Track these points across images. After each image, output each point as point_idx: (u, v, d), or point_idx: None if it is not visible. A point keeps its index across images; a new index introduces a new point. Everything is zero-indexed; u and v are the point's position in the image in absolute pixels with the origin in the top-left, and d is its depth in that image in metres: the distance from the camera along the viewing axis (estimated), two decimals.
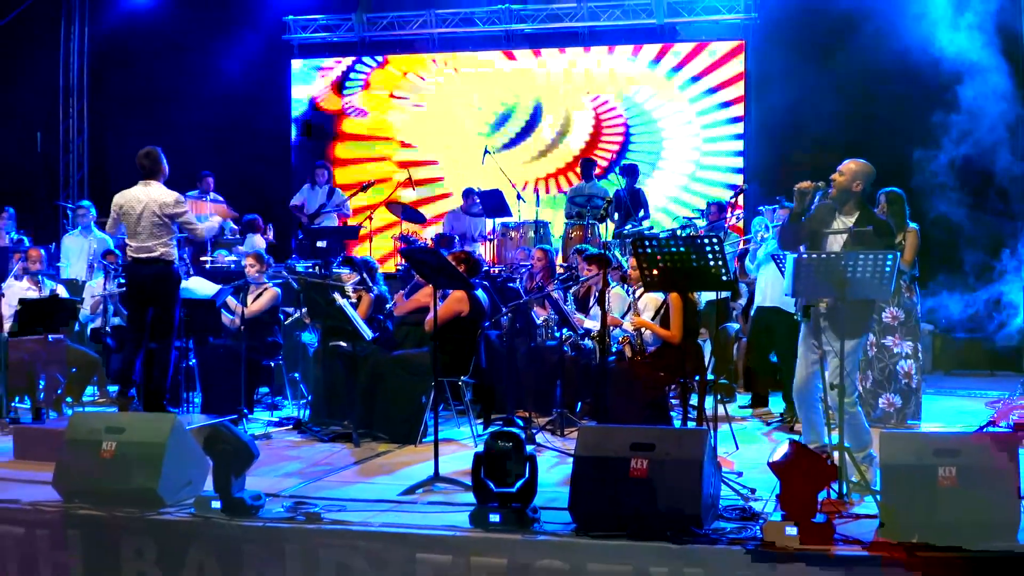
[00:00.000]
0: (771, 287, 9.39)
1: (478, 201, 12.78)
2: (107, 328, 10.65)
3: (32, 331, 9.08)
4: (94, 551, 6.21)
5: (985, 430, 8.11)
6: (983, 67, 12.21)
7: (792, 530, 5.40)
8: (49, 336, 9.25)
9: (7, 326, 9.09)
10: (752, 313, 9.85)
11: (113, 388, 10.12)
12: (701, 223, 10.93)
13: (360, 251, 12.94)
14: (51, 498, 6.48)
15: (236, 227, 13.04)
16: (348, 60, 16.61)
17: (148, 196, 8.65)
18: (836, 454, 6.26)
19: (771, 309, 9.41)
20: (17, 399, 9.66)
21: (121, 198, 8.74)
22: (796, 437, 6.88)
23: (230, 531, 6.02)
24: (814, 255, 6.39)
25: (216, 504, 6.15)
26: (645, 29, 15.45)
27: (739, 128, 15.13)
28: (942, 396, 10.52)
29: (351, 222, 13.74)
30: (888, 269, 6.15)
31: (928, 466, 5.38)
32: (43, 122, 16.88)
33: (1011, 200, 12.14)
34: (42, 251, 10.52)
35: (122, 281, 10.28)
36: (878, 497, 5.75)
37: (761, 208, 10.32)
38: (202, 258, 11.54)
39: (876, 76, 13.20)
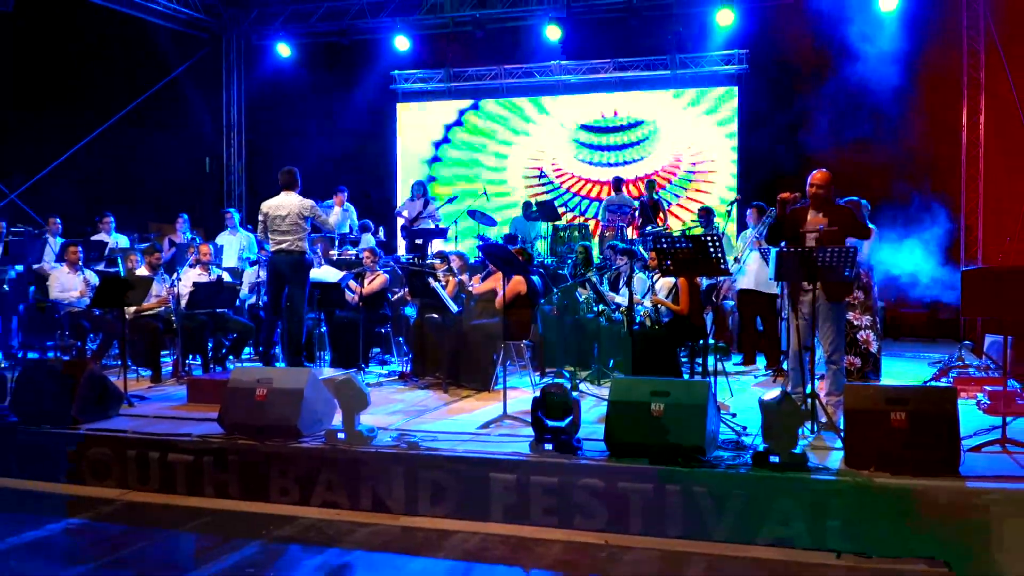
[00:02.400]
0: (752, 273, 9.33)
1: (535, 209, 12.73)
2: (260, 304, 10.76)
3: (202, 307, 9.18)
4: (248, 472, 6.31)
5: (929, 384, 7.99)
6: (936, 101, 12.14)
7: (775, 459, 5.35)
8: (216, 310, 9.37)
9: (183, 302, 9.20)
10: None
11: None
12: (699, 231, 10.81)
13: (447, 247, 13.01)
14: (215, 432, 6.58)
15: (356, 227, 13.09)
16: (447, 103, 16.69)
17: (290, 203, 8.73)
18: (810, 401, 6.20)
19: (750, 291, 9.37)
20: (191, 357, 9.79)
21: (267, 206, 8.82)
22: (777, 387, 6.79)
23: (351, 456, 6.07)
24: (793, 249, 6.32)
25: (341, 435, 6.21)
26: (662, 78, 15.32)
27: (733, 151, 14.96)
28: (893, 358, 10.33)
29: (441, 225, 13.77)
30: (849, 259, 6.09)
31: (882, 411, 5.30)
32: (210, 150, 17.08)
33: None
34: (211, 247, 10.61)
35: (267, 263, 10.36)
36: (842, 435, 5.67)
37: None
38: (331, 252, 11.61)
39: (838, 109, 13.05)
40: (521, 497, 5.65)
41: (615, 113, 15.66)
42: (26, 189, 13.79)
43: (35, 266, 10.68)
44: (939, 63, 12.82)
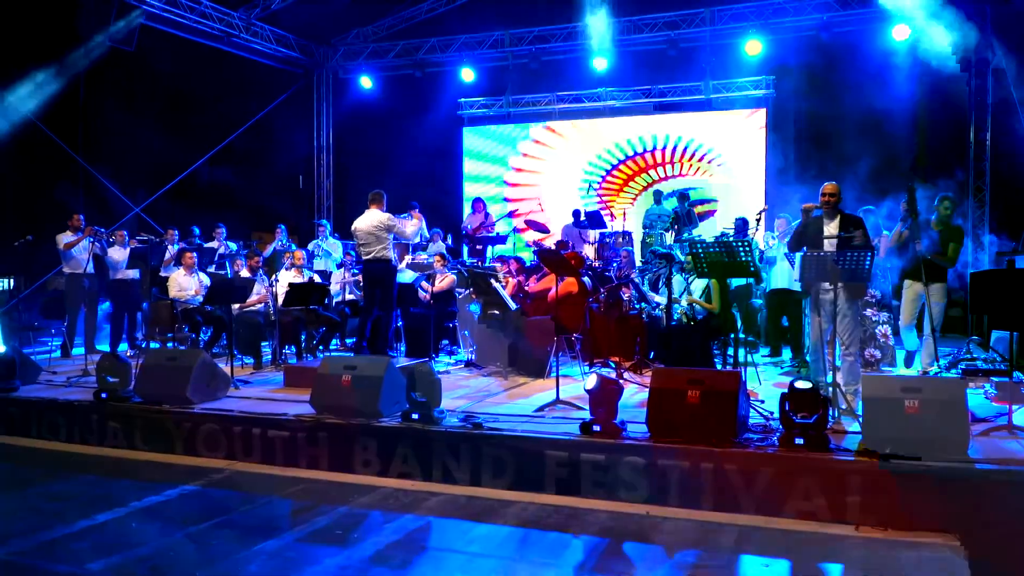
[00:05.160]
0: (780, 274, 9.16)
1: (584, 218, 12.67)
2: (345, 301, 10.86)
3: (297, 304, 9.31)
4: (336, 446, 6.38)
5: (939, 375, 7.76)
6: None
7: (799, 440, 5.25)
8: (308, 307, 9.48)
9: (280, 300, 9.33)
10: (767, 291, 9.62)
11: (349, 340, 10.33)
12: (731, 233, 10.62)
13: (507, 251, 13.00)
14: (307, 412, 6.66)
15: (428, 235, 13.11)
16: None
17: (371, 218, 8.82)
18: (831, 389, 6.06)
19: (781, 290, 9.19)
20: (286, 347, 9.93)
21: (355, 224, 8.95)
22: (799, 377, 6.66)
23: (424, 434, 6.11)
24: (815, 253, 6.21)
25: (415, 416, 6.23)
26: (697, 102, 15.15)
27: (761, 166, 14.74)
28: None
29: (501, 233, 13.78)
30: (866, 262, 5.98)
31: (897, 399, 5.17)
32: (303, 169, 17.30)
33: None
34: (304, 252, 10.75)
35: (356, 271, 10.46)
36: (860, 420, 5.53)
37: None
38: (406, 256, 11.69)
39: (856, 127, 12.81)
40: (572, 472, 5.63)
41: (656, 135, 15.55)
42: (149, 204, 14.14)
43: (162, 271, 10.91)
44: (948, 85, 12.51)
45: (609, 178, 15.80)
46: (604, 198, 15.67)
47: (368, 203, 8.96)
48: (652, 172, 15.47)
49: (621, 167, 15.74)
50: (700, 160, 15.10)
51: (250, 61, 15.14)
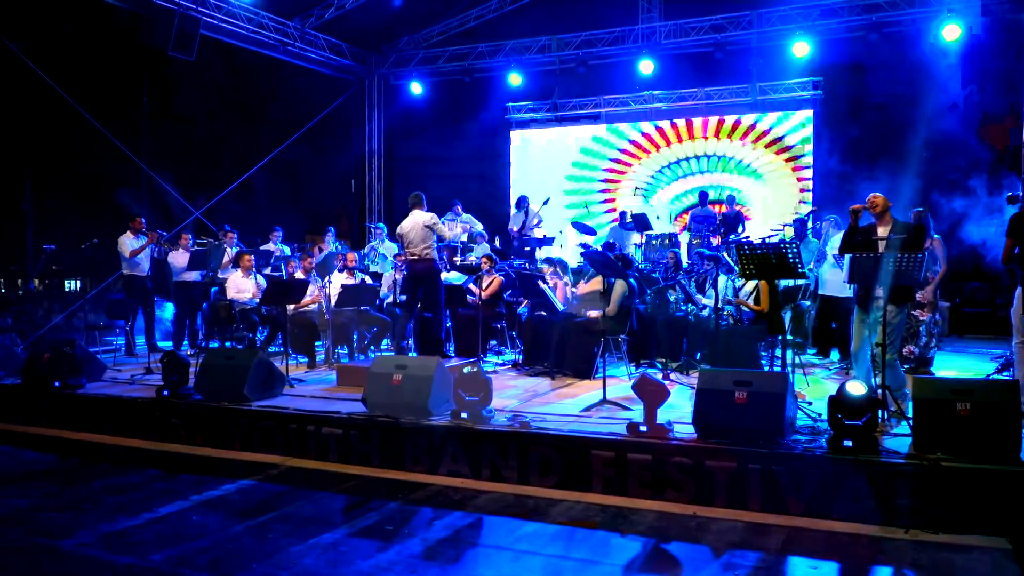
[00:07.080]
0: (831, 280, 8.99)
1: (630, 221, 12.60)
2: (396, 302, 10.95)
3: (349, 304, 9.40)
4: (387, 444, 6.43)
5: (991, 377, 7.58)
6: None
7: (848, 443, 5.16)
8: (360, 307, 9.58)
9: (333, 301, 9.44)
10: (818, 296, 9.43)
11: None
12: (789, 232, 10.40)
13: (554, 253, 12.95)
14: (360, 410, 6.72)
15: (481, 230, 13.08)
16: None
17: (415, 219, 8.86)
18: (880, 391, 5.94)
19: (831, 297, 9.01)
20: (339, 347, 10.05)
21: (400, 227, 9.01)
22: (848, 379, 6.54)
23: (473, 433, 6.12)
24: (867, 255, 6.10)
25: (464, 415, 6.25)
26: (744, 104, 14.99)
27: (809, 165, 14.51)
28: (957, 354, 9.81)
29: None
30: (917, 264, 5.85)
31: (949, 401, 5.05)
32: (355, 173, 17.50)
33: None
34: (356, 254, 10.86)
35: (406, 272, 10.52)
36: (910, 422, 5.42)
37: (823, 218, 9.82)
38: (454, 258, 11.74)
39: (901, 127, 12.56)
40: (619, 471, 5.60)
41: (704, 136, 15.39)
42: (208, 208, 14.44)
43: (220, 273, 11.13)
44: (998, 82, 12.19)
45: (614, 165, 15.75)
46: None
47: (409, 206, 9.02)
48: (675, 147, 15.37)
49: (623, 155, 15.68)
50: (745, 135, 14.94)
51: (304, 69, 15.39)
